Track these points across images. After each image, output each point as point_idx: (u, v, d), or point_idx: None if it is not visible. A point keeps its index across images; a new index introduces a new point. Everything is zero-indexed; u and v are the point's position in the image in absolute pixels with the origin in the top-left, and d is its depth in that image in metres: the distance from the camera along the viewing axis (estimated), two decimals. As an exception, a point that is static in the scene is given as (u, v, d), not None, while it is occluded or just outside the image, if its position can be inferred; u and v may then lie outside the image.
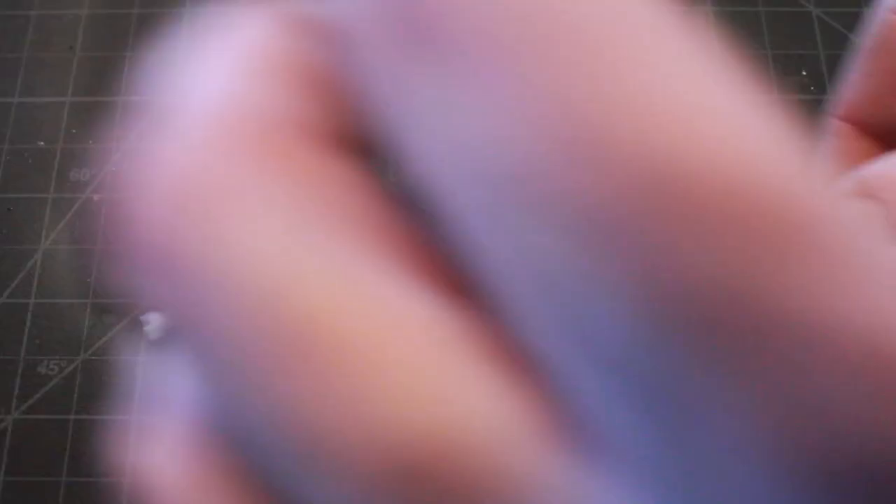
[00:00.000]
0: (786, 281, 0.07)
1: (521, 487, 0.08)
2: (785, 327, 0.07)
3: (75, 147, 0.37)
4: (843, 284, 0.07)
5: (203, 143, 0.09)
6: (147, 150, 0.09)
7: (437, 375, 0.08)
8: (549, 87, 0.07)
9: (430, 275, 0.09)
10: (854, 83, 0.26)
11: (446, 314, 0.08)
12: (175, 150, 0.09)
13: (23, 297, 0.34)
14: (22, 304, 0.34)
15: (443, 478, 0.08)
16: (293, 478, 0.09)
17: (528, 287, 0.08)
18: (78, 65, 0.39)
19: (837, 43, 0.39)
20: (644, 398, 0.07)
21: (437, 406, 0.08)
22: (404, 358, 0.08)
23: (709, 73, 0.08)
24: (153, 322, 0.34)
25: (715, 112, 0.07)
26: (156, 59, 0.09)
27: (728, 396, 0.07)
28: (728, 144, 0.07)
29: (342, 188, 0.09)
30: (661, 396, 0.07)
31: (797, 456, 0.07)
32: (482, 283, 0.08)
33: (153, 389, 0.11)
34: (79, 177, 0.36)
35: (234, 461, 0.10)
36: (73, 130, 0.37)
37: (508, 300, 0.08)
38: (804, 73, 0.38)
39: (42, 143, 0.37)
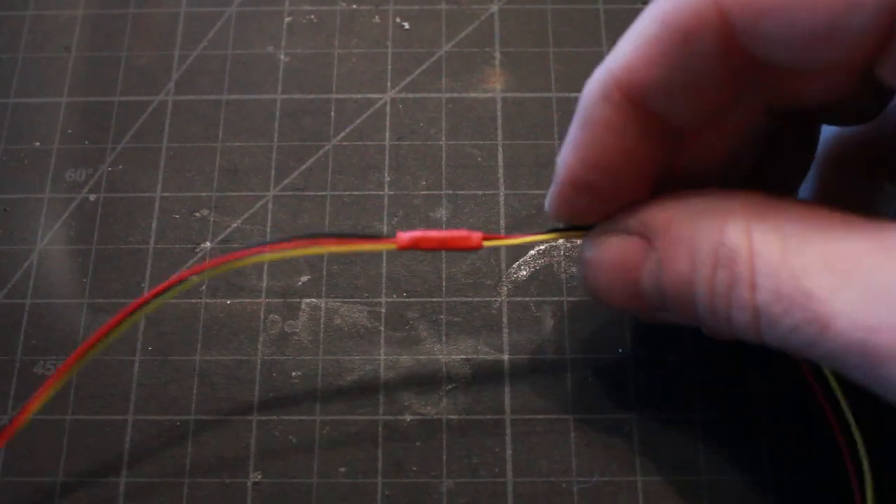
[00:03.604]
0: None
1: None
2: None
3: (71, 147, 0.37)
4: None
5: None
6: None
7: None
8: None
9: None
10: (642, 58, 0.24)
11: None
12: None
13: (19, 297, 0.34)
14: (18, 304, 0.34)
15: None
16: None
17: None
18: (74, 65, 0.39)
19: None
20: None
21: None
22: None
23: None
24: None
25: None
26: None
27: None
28: None
29: None
30: None
31: None
32: None
33: None
34: (75, 177, 0.36)
35: None
36: (69, 131, 0.37)
37: None
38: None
39: (38, 143, 0.37)
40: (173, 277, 0.27)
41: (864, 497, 0.27)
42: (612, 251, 0.26)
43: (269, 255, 0.27)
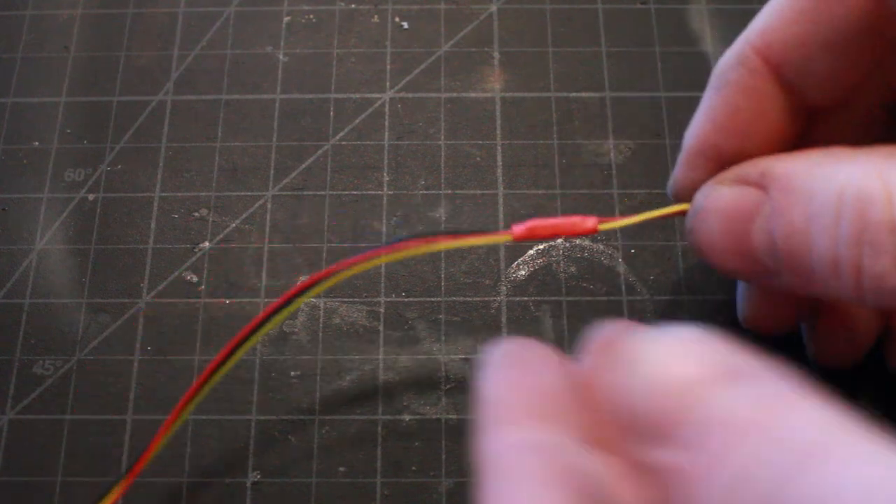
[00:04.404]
0: None
1: None
2: None
3: (70, 147, 0.37)
4: None
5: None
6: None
7: None
8: None
9: None
10: (786, 18, 0.24)
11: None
12: None
13: (18, 297, 0.34)
14: (17, 304, 0.34)
15: None
16: None
17: None
18: (73, 65, 0.39)
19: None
20: None
21: None
22: None
23: None
24: None
25: None
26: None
27: None
28: None
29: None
30: None
31: None
32: None
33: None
34: (73, 177, 0.36)
35: None
36: (68, 130, 0.37)
37: None
38: (798, 70, 0.38)
39: (37, 143, 0.37)
40: (324, 272, 0.27)
41: None
42: (725, 199, 0.24)
43: (385, 258, 0.27)
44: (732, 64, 0.24)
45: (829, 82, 0.24)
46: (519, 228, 0.27)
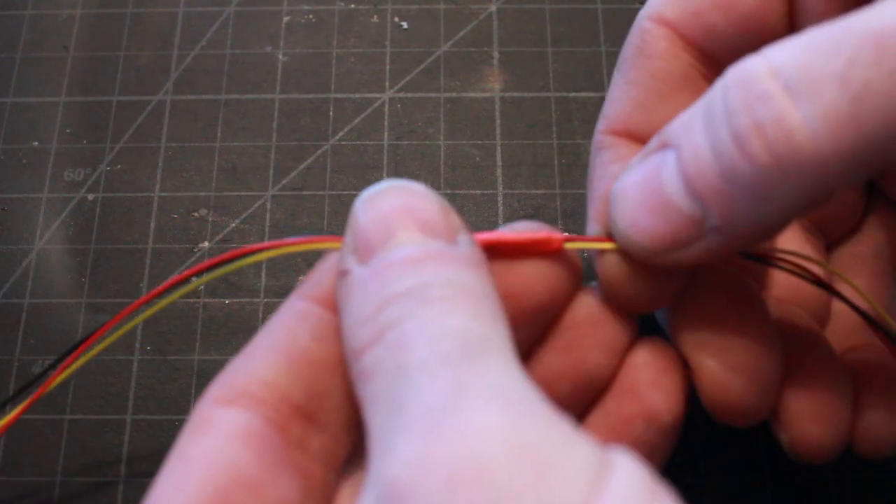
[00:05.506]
0: None
1: None
2: None
3: (69, 147, 0.37)
4: None
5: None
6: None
7: None
8: None
9: None
10: (618, 96, 0.27)
11: None
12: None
13: (17, 296, 0.34)
14: (16, 304, 0.34)
15: None
16: None
17: None
18: (72, 65, 0.39)
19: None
20: None
21: None
22: None
23: None
24: None
25: None
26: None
27: None
28: None
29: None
30: None
31: None
32: None
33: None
34: (73, 177, 0.36)
35: None
36: (68, 130, 0.37)
37: None
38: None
39: (36, 143, 0.37)
40: (174, 278, 0.26)
41: None
42: (634, 172, 0.23)
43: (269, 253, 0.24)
44: (592, 152, 0.27)
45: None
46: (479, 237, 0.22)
